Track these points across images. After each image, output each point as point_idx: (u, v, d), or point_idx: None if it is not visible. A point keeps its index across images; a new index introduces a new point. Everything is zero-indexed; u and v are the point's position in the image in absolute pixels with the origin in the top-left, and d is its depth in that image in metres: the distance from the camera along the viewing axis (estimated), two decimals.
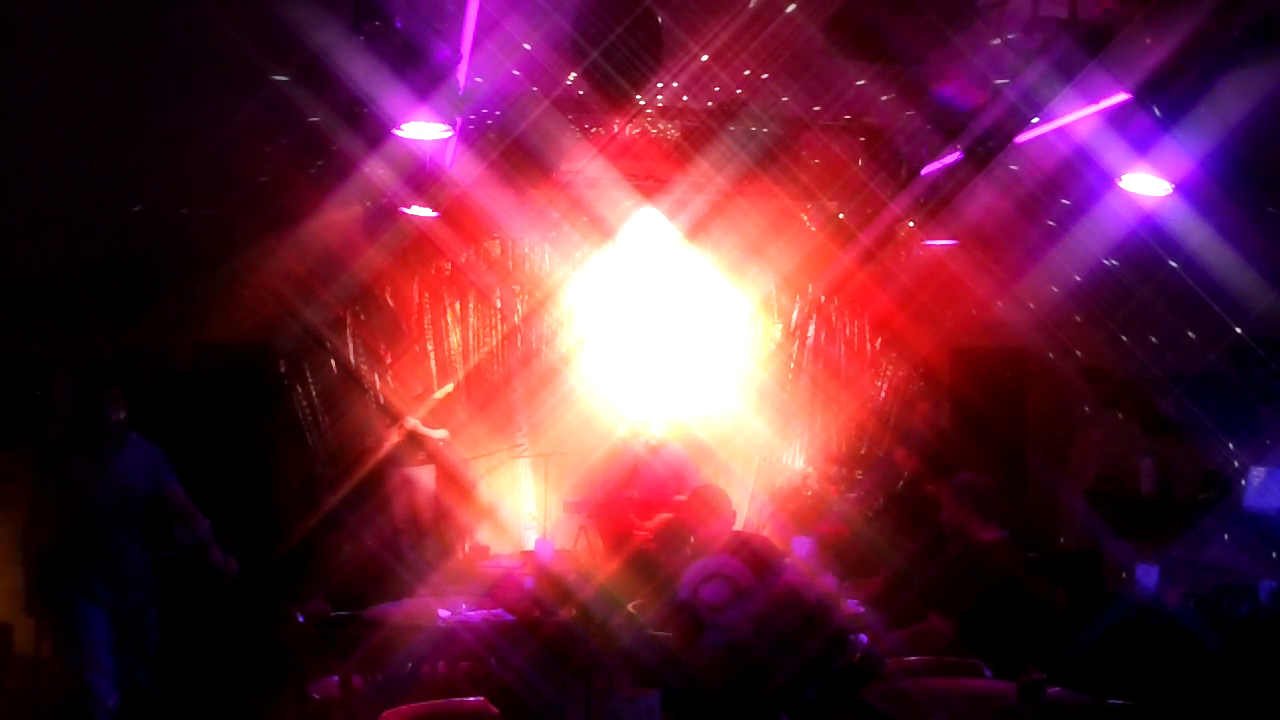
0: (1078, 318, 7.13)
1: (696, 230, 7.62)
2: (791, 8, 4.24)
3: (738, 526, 7.82)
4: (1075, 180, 5.48)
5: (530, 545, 6.98)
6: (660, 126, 6.12)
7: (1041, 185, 5.78)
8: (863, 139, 6.15)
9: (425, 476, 7.35)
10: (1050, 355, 7.78)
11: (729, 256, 8.04)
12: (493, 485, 7.75)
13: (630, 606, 4.44)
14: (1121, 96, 4.31)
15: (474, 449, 7.64)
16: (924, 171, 5.88)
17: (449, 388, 7.70)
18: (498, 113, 5.68)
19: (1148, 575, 5.29)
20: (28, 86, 4.34)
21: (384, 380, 7.74)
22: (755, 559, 4.25)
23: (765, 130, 5.92)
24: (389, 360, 7.76)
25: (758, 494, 8.15)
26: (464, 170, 5.99)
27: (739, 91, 5.45)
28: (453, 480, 7.49)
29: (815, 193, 6.80)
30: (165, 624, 4.61)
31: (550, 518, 7.67)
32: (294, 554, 6.36)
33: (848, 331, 8.52)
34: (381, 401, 7.69)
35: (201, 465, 5.60)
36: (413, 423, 7.27)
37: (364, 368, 7.72)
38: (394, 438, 7.29)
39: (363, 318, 7.72)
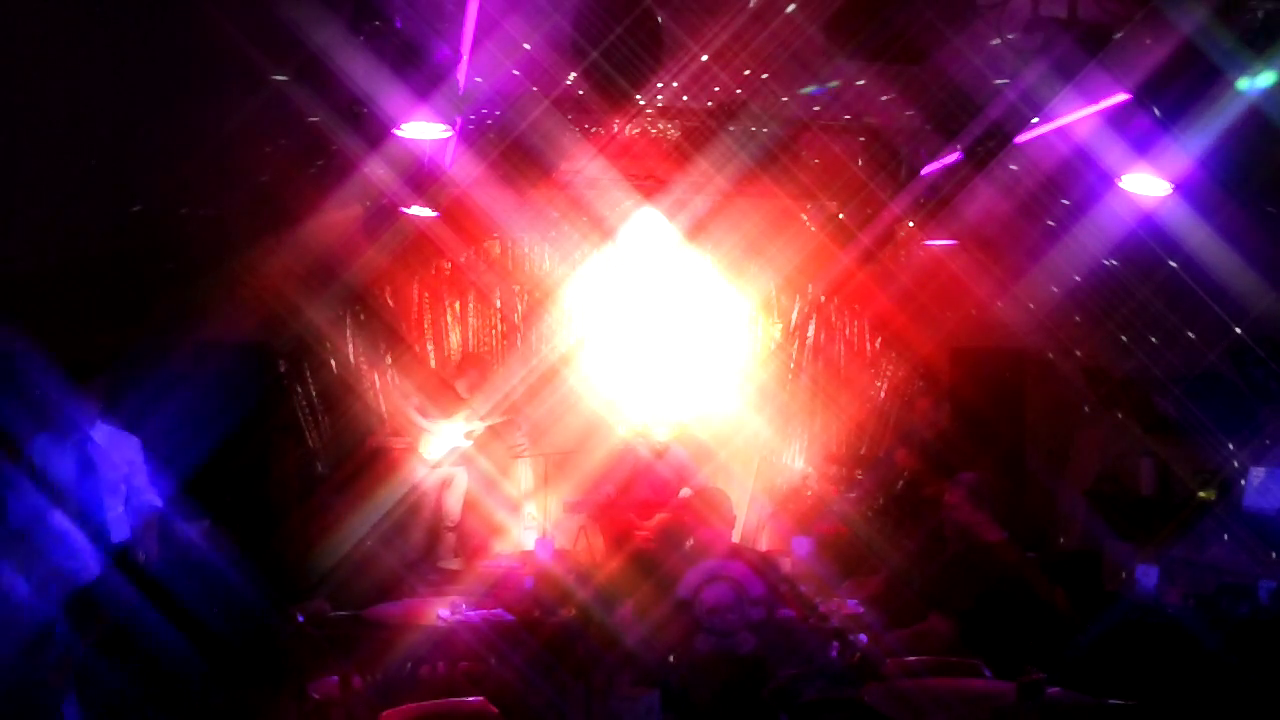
0: (1078, 318, 7.11)
1: (696, 230, 7.62)
2: (791, 8, 4.23)
3: (738, 527, 7.94)
4: (1075, 180, 5.47)
5: (530, 545, 6.97)
6: (660, 126, 6.12)
7: (1041, 185, 5.76)
8: (863, 139, 6.15)
9: (460, 478, 7.34)
10: (1050, 355, 7.77)
11: (729, 256, 8.03)
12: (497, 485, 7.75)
13: (628, 606, 4.44)
14: (1121, 96, 4.30)
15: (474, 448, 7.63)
16: (924, 171, 5.88)
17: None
18: (498, 113, 5.68)
19: (1148, 575, 5.28)
20: (28, 86, 4.34)
21: (384, 380, 7.74)
22: (759, 566, 4.25)
23: (765, 130, 5.91)
24: (389, 360, 7.76)
25: (758, 494, 8.16)
26: (464, 170, 5.98)
27: (739, 91, 5.45)
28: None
29: (815, 193, 6.79)
30: (166, 622, 4.61)
31: (550, 518, 7.66)
32: (294, 554, 6.36)
33: (848, 331, 8.52)
34: (380, 401, 7.69)
35: (201, 465, 5.60)
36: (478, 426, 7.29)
37: (364, 368, 7.72)
38: (398, 445, 7.30)
39: (363, 318, 7.72)
